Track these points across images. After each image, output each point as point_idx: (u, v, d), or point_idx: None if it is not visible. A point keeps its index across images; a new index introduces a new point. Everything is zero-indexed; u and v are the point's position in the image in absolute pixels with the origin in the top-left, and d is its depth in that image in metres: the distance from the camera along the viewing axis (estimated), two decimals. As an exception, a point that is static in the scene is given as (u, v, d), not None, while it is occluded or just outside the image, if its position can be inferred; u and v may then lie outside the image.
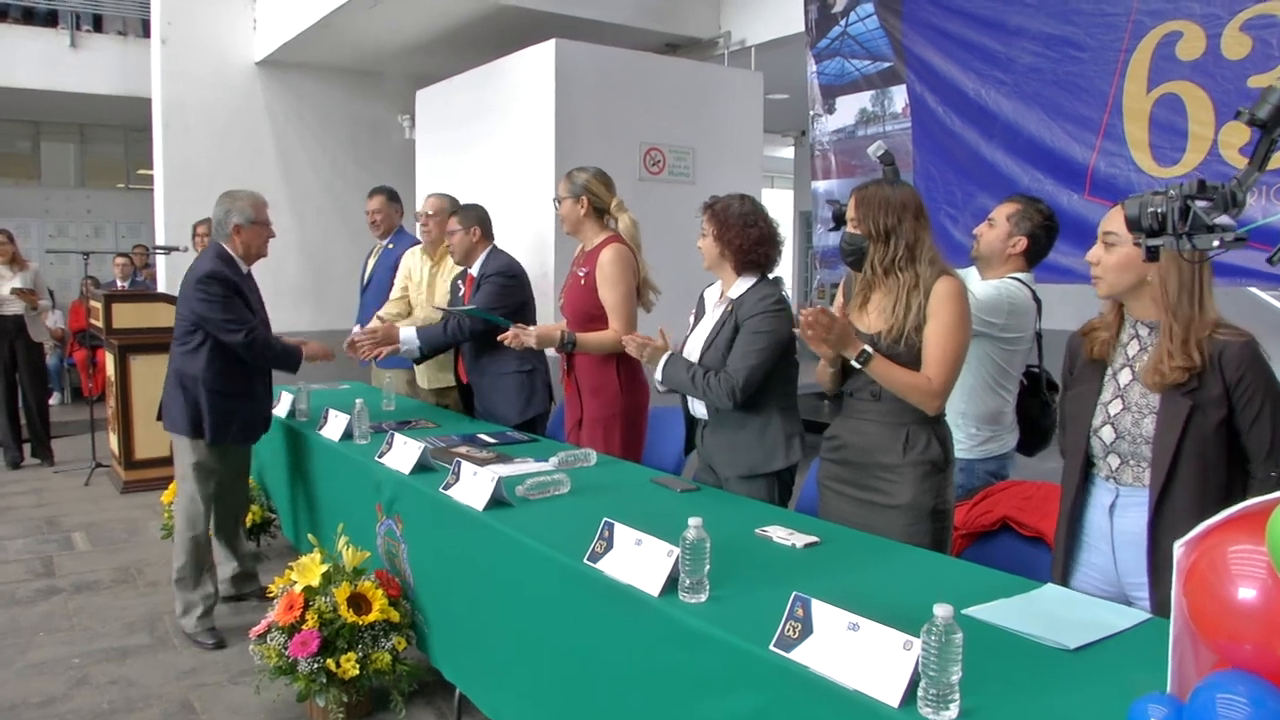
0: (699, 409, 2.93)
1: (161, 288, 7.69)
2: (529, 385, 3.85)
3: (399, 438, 3.15)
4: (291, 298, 7.82)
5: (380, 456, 3.15)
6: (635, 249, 3.43)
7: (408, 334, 3.83)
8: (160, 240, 7.52)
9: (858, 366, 2.42)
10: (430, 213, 4.51)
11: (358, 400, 3.63)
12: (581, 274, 3.40)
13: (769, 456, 2.78)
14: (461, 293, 3.91)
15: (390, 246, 4.98)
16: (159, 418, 3.75)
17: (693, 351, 2.90)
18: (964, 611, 1.87)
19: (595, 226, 3.45)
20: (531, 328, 3.40)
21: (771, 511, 2.58)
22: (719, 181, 5.61)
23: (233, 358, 3.60)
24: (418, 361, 4.18)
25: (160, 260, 7.55)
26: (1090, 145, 3.63)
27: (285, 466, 4.00)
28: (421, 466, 2.99)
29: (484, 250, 3.89)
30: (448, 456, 3.11)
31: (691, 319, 3.03)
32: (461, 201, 4.44)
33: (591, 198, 3.43)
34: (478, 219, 3.92)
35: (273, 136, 7.81)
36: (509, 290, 3.78)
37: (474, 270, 3.88)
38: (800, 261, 11.76)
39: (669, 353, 2.88)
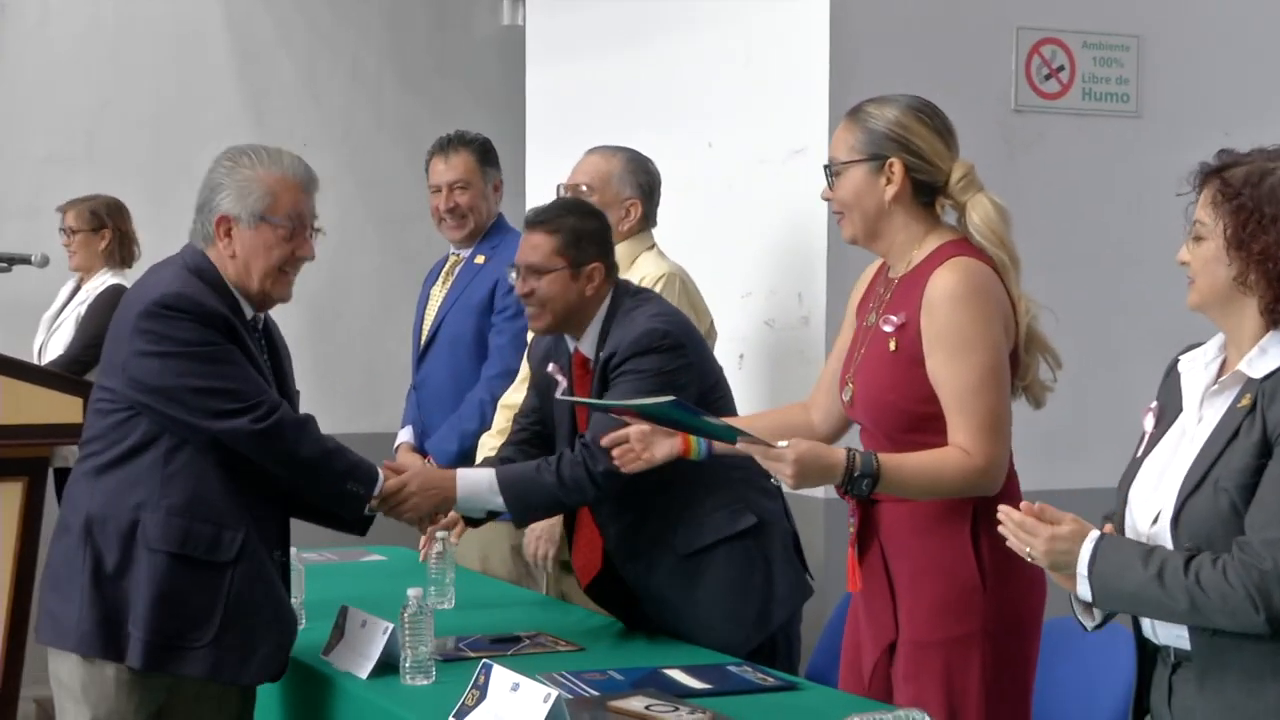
0: (1165, 629, 2.90)
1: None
2: (760, 566, 3.97)
3: (500, 676, 3.10)
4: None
5: (462, 716, 3.10)
6: (1006, 269, 3.48)
7: (472, 479, 3.93)
8: None
9: None
10: (591, 184, 4.67)
11: (411, 592, 3.60)
12: (890, 327, 3.47)
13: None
14: (562, 387, 4.10)
15: (481, 261, 5.20)
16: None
17: (1157, 499, 2.87)
18: None
19: (916, 223, 3.52)
20: (781, 445, 3.32)
21: None
22: (1205, 113, 5.62)
23: (227, 473, 3.53)
24: (519, 522, 4.27)
25: None
26: None
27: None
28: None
29: (605, 298, 4.07)
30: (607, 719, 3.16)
31: (1148, 421, 3.01)
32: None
33: (910, 161, 3.46)
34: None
35: (226, 27, 8.10)
36: (677, 374, 3.92)
37: (582, 344, 4.04)
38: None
39: (1095, 536, 2.83)
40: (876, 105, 3.50)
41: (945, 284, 3.36)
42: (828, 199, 3.53)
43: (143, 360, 3.45)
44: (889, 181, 3.43)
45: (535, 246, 4.00)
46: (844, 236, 3.55)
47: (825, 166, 3.54)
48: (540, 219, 4.10)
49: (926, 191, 3.47)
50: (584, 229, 4.02)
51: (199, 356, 3.46)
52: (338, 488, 3.63)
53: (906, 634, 3.46)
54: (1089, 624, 2.95)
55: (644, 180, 4.67)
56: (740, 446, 3.34)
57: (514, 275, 4.10)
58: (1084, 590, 2.81)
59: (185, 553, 3.47)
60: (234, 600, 3.50)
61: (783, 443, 3.34)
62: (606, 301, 4.02)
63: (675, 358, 3.90)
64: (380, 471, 3.72)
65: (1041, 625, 3.50)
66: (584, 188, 4.65)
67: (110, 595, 3.46)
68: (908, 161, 3.44)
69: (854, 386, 3.51)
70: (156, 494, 3.47)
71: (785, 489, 3.74)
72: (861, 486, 3.31)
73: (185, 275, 3.55)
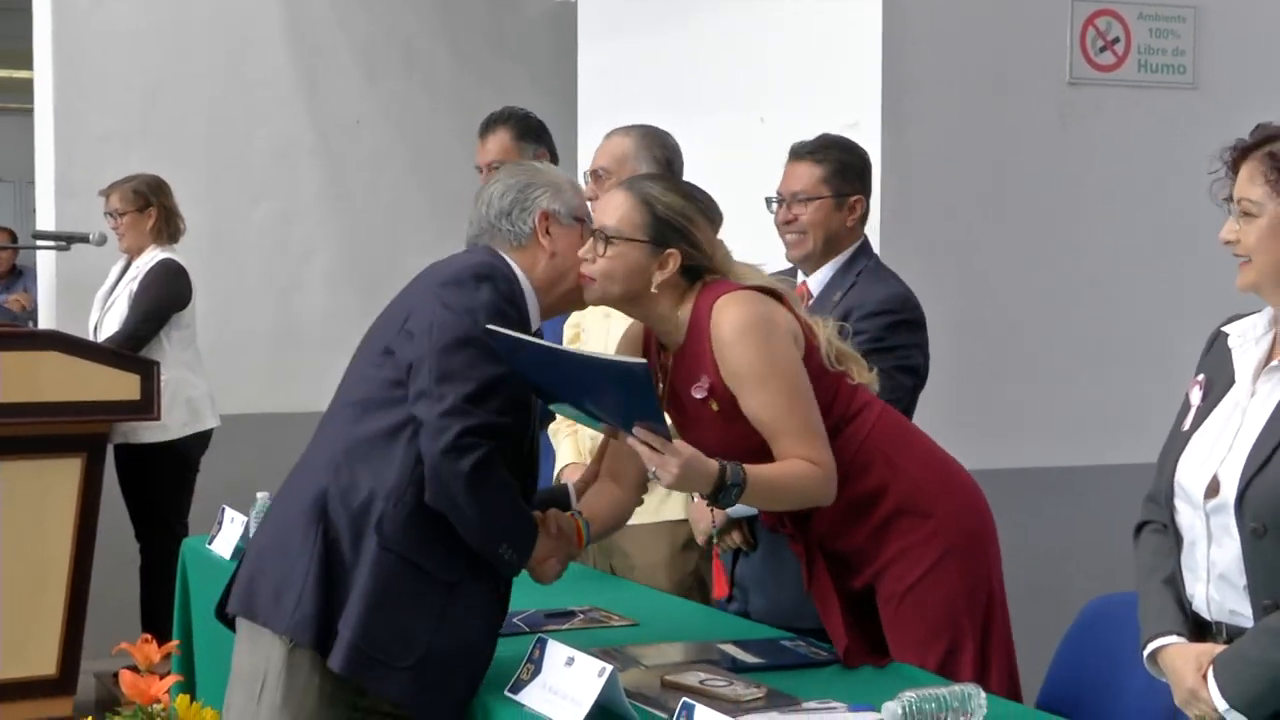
0: (1219, 606, 2.89)
1: (48, 318, 7.91)
2: None
3: (555, 650, 3.12)
4: (313, 358, 7.94)
5: (517, 690, 3.13)
6: (778, 292, 3.53)
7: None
8: (47, 220, 7.73)
9: None
10: (608, 167, 4.62)
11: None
12: (701, 394, 3.45)
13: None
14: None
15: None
16: (221, 607, 3.42)
17: (1207, 470, 2.86)
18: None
19: (672, 295, 3.50)
20: (678, 446, 3.25)
21: None
22: (1263, 85, 5.64)
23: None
24: None
25: (44, 261, 7.78)
26: None
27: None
28: (606, 714, 2.95)
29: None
30: (665, 695, 3.10)
31: (1195, 394, 3.02)
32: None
33: (688, 251, 3.47)
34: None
35: (281, 5, 8.21)
36: (912, 353, 4.17)
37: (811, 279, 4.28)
38: None
39: (1210, 672, 2.80)
40: (661, 190, 3.49)
41: (723, 328, 3.37)
42: (588, 259, 3.43)
43: (425, 314, 3.27)
44: (661, 268, 3.41)
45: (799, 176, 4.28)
46: (590, 296, 3.48)
47: (596, 230, 3.45)
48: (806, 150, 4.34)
49: (692, 273, 3.46)
50: (849, 162, 4.27)
51: (479, 345, 3.17)
52: (490, 549, 3.28)
53: (885, 592, 3.51)
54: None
55: (659, 154, 4.61)
56: (637, 433, 3.19)
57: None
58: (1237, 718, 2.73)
59: (416, 560, 3.22)
60: (449, 625, 3.25)
61: (681, 448, 3.24)
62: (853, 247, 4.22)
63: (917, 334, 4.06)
64: (540, 533, 3.35)
65: (993, 521, 3.61)
66: (601, 171, 4.63)
67: (332, 584, 3.20)
68: (685, 251, 3.43)
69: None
70: (404, 487, 3.21)
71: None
72: (731, 496, 3.29)
73: (494, 261, 3.39)
